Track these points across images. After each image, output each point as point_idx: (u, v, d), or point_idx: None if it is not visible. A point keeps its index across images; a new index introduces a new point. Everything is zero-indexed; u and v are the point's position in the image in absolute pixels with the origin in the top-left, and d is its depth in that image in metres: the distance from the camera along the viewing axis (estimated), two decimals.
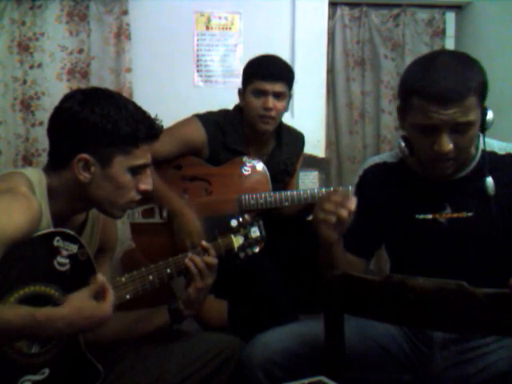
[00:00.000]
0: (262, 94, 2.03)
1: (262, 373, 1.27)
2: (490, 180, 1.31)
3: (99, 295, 1.15)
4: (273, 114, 2.05)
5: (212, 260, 1.39)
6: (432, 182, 1.36)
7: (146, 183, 1.29)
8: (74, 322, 1.10)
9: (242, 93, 2.12)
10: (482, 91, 1.25)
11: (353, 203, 1.22)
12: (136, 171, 1.27)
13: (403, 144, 1.35)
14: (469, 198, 1.35)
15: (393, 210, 1.41)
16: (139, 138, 1.24)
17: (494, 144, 1.38)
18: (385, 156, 1.49)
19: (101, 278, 1.18)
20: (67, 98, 1.26)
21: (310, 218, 2.33)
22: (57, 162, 1.27)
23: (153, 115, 1.31)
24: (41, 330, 1.08)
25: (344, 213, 1.21)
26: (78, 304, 1.12)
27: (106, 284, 1.17)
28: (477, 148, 1.36)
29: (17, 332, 1.07)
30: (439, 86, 1.21)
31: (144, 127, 1.25)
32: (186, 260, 1.37)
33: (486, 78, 1.27)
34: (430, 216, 1.37)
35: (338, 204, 1.22)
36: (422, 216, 1.37)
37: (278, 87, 2.04)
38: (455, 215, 1.35)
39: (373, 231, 1.44)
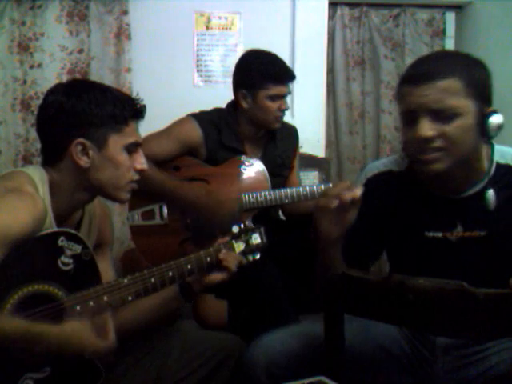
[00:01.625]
0: (279, 97, 2.07)
1: (264, 374, 1.26)
2: (490, 193, 1.24)
3: (101, 332, 1.14)
4: (285, 112, 2.13)
5: (239, 257, 1.41)
6: (442, 197, 1.28)
7: (141, 163, 1.33)
8: (66, 343, 1.10)
9: (246, 96, 2.09)
10: (474, 83, 1.17)
11: (358, 191, 1.15)
12: (130, 150, 1.30)
13: (402, 147, 1.30)
14: (482, 216, 1.25)
15: (399, 226, 1.33)
16: (127, 115, 1.29)
17: (509, 154, 1.28)
18: (389, 162, 1.38)
19: (110, 322, 1.17)
20: (50, 93, 1.30)
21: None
22: (53, 156, 1.29)
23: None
24: (33, 345, 1.08)
25: (347, 196, 1.13)
26: (74, 327, 1.12)
27: (110, 326, 1.16)
28: (491, 161, 1.26)
29: (11, 345, 1.07)
30: (417, 68, 1.19)
31: (129, 105, 1.30)
32: (224, 261, 1.38)
33: (487, 78, 1.21)
34: (440, 234, 1.28)
35: (341, 189, 1.15)
36: (431, 234, 1.29)
37: (289, 88, 2.11)
38: (467, 234, 1.26)
39: (373, 244, 1.39)
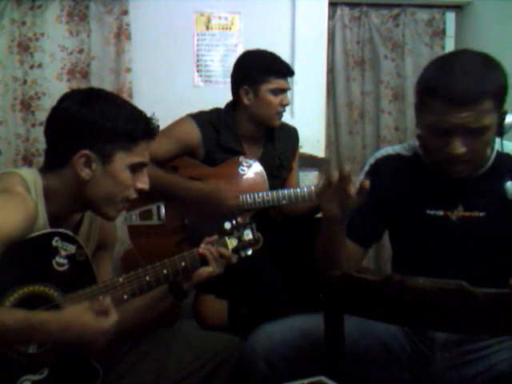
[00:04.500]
0: (281, 91, 2.09)
1: (264, 363, 1.27)
2: (510, 184, 1.30)
3: (101, 314, 1.14)
4: (286, 108, 2.14)
5: (225, 250, 1.43)
6: (445, 179, 1.35)
7: (143, 182, 1.32)
8: (69, 328, 1.08)
9: (248, 92, 2.10)
10: (500, 95, 1.22)
11: (365, 185, 1.22)
12: (135, 169, 1.29)
13: (418, 143, 1.37)
14: (482, 198, 1.33)
15: (403, 204, 1.39)
16: (138, 135, 1.27)
17: (509, 146, 1.35)
18: (398, 148, 1.46)
19: (108, 301, 1.17)
20: (65, 98, 1.29)
21: (319, 215, 2.35)
22: (55, 162, 1.28)
23: (152, 115, 1.33)
24: (35, 334, 1.07)
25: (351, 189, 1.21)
26: (76, 311, 1.11)
27: (110, 306, 1.16)
28: (492, 149, 1.34)
29: (12, 335, 1.07)
30: (453, 88, 1.19)
31: (142, 125, 1.28)
32: (201, 249, 1.39)
33: (507, 81, 1.24)
34: (441, 213, 1.35)
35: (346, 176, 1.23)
36: (433, 212, 1.35)
37: (289, 84, 2.14)
38: (467, 214, 1.33)
39: (377, 221, 1.44)
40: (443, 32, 3.38)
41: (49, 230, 1.22)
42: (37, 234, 1.19)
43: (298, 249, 2.08)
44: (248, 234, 1.50)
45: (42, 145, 2.87)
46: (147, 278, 1.31)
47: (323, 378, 1.05)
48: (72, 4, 2.93)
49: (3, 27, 2.87)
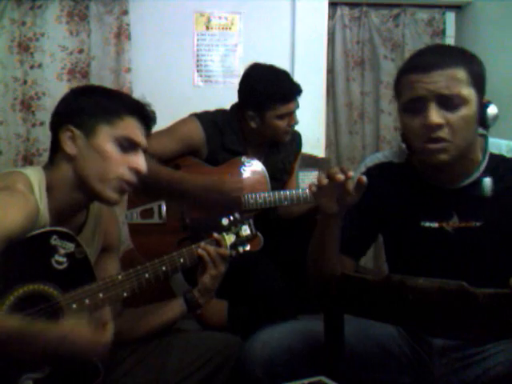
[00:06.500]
0: (288, 115, 2.07)
1: (262, 370, 1.26)
2: (487, 180, 1.26)
3: (99, 326, 1.13)
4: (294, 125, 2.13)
5: (224, 251, 1.44)
6: (439, 187, 1.31)
7: (138, 164, 1.29)
8: (63, 342, 1.06)
9: (254, 117, 2.07)
10: (475, 74, 1.21)
11: (350, 173, 1.18)
12: (124, 146, 1.28)
13: (401, 139, 1.32)
14: (477, 207, 1.28)
15: (397, 215, 1.35)
16: (121, 108, 1.28)
17: (502, 145, 1.31)
18: (389, 154, 1.41)
19: (108, 314, 1.19)
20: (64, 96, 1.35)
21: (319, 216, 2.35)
22: (51, 151, 1.31)
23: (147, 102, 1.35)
24: (29, 344, 1.04)
25: (341, 177, 1.16)
26: (73, 326, 1.10)
27: (109, 319, 1.16)
28: (485, 152, 1.30)
29: (5, 344, 1.03)
30: (424, 57, 1.24)
31: (127, 102, 1.30)
32: (200, 250, 1.41)
33: (483, 70, 1.25)
34: (436, 224, 1.30)
35: (335, 170, 1.19)
36: (427, 224, 1.31)
37: (297, 102, 2.09)
38: (463, 225, 1.28)
39: (368, 232, 1.41)
40: (443, 32, 3.38)
41: (47, 228, 1.22)
42: (35, 232, 1.19)
43: (297, 250, 2.08)
44: (246, 230, 1.51)
45: (42, 145, 2.87)
46: (146, 276, 1.32)
47: (323, 378, 1.05)
48: (72, 4, 2.93)
49: (3, 27, 2.87)
